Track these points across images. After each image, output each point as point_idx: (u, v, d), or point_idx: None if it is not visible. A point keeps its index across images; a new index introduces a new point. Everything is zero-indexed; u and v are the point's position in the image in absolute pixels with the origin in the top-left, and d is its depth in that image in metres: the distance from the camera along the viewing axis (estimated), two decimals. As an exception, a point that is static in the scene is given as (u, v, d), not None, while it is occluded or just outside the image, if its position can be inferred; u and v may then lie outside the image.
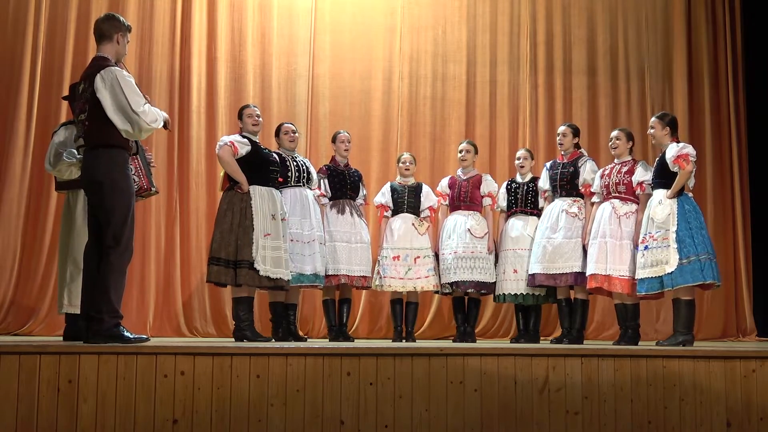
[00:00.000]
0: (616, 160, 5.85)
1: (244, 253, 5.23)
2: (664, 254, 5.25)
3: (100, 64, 4.17)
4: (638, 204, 5.64)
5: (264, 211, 5.36)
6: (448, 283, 6.20)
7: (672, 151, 5.37)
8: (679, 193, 5.34)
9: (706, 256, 5.21)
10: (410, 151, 7.15)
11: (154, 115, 4.16)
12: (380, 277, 6.19)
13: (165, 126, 4.40)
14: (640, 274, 5.38)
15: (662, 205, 5.33)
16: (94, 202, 4.18)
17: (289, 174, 5.82)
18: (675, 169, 5.32)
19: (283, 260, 5.38)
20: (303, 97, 7.77)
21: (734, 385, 4.10)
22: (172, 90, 7.42)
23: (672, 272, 5.19)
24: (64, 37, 7.23)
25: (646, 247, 5.36)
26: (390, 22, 8.04)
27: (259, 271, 5.22)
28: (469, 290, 6.19)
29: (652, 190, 5.51)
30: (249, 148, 5.42)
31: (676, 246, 5.21)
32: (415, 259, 6.19)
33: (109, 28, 4.28)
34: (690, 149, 5.36)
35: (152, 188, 5.20)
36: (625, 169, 5.73)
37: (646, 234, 5.39)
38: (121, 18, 4.37)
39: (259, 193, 5.38)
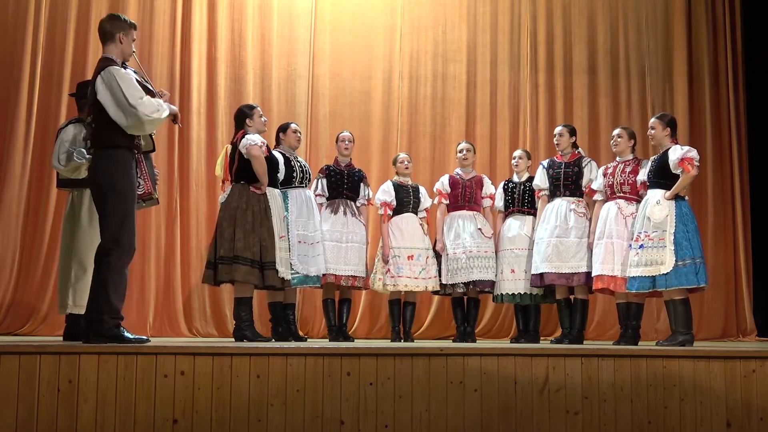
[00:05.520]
0: (618, 159, 5.85)
1: (268, 255, 5.22)
2: (660, 254, 5.27)
3: (101, 66, 4.18)
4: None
5: (278, 212, 5.38)
6: (463, 283, 6.19)
7: (677, 153, 5.37)
8: (677, 196, 5.36)
9: (701, 259, 5.27)
10: (410, 151, 7.16)
11: (153, 107, 4.11)
12: (392, 277, 6.15)
13: (174, 121, 4.42)
14: (632, 272, 5.40)
15: (660, 205, 5.34)
16: (95, 202, 4.21)
17: (294, 174, 5.82)
18: (678, 172, 5.33)
19: (288, 261, 5.41)
20: (303, 98, 7.77)
21: (734, 385, 4.10)
22: (172, 90, 7.40)
23: (667, 273, 5.22)
24: (64, 36, 7.23)
25: (641, 246, 5.36)
26: (390, 22, 8.04)
27: (278, 272, 5.24)
28: (486, 289, 6.23)
29: (648, 189, 5.52)
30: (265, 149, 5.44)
31: (673, 248, 5.22)
32: (426, 259, 6.20)
33: (111, 28, 4.26)
34: (695, 153, 5.37)
35: (154, 194, 5.16)
36: (629, 168, 5.73)
37: (641, 232, 5.40)
38: (123, 17, 4.35)
39: (273, 195, 5.39)
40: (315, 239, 5.78)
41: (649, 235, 5.34)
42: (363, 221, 6.28)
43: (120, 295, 4.10)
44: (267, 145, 5.48)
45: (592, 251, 5.80)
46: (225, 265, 5.18)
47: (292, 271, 5.51)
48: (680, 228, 5.26)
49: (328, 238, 5.99)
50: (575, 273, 5.85)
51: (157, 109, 4.14)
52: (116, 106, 4.06)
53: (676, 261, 5.21)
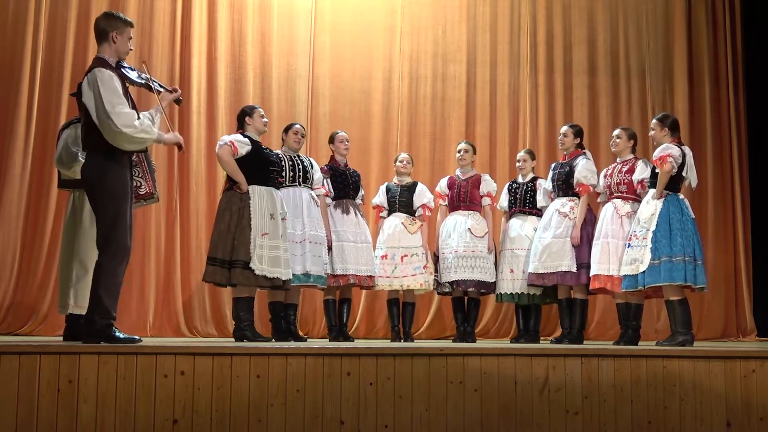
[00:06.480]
0: (618, 159, 5.86)
1: (239, 253, 5.22)
2: (641, 253, 5.30)
3: (90, 67, 4.12)
4: (640, 203, 5.64)
5: (262, 210, 5.35)
6: (449, 282, 6.20)
7: (657, 151, 5.40)
8: (668, 194, 5.34)
9: (682, 258, 5.17)
10: (410, 151, 7.15)
11: (129, 119, 3.97)
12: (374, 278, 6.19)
13: (177, 102, 4.60)
14: (622, 270, 5.45)
15: (648, 204, 5.38)
16: (90, 203, 4.19)
17: (283, 174, 5.82)
18: (658, 170, 5.35)
19: (281, 260, 5.35)
20: (303, 98, 7.77)
21: (734, 385, 4.10)
22: (172, 90, 7.41)
23: (644, 271, 5.24)
24: (64, 36, 7.22)
25: (629, 245, 5.42)
26: (390, 22, 8.04)
27: (254, 270, 5.22)
28: (470, 289, 6.20)
29: (648, 188, 5.53)
30: (249, 147, 5.42)
31: (650, 246, 5.25)
32: (402, 257, 6.19)
33: (104, 26, 4.17)
34: (673, 150, 5.33)
35: (155, 193, 5.16)
36: (626, 168, 5.74)
37: (632, 232, 5.45)
38: (117, 14, 4.26)
39: (258, 193, 5.37)
40: (302, 238, 5.72)
41: (636, 235, 5.39)
42: (365, 221, 6.30)
43: (112, 296, 4.05)
44: (255, 143, 5.47)
45: (577, 250, 5.83)
46: (206, 266, 5.33)
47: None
48: (662, 227, 5.26)
49: (344, 239, 6.01)
50: (549, 273, 5.88)
51: (130, 122, 3.97)
52: (96, 112, 4.00)
53: (651, 259, 5.23)
